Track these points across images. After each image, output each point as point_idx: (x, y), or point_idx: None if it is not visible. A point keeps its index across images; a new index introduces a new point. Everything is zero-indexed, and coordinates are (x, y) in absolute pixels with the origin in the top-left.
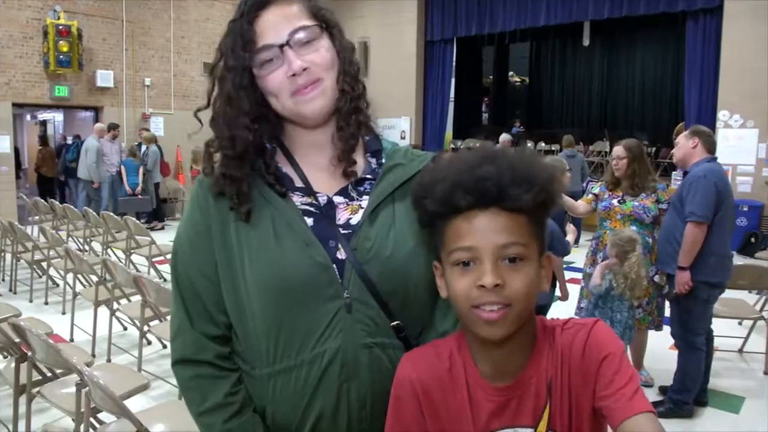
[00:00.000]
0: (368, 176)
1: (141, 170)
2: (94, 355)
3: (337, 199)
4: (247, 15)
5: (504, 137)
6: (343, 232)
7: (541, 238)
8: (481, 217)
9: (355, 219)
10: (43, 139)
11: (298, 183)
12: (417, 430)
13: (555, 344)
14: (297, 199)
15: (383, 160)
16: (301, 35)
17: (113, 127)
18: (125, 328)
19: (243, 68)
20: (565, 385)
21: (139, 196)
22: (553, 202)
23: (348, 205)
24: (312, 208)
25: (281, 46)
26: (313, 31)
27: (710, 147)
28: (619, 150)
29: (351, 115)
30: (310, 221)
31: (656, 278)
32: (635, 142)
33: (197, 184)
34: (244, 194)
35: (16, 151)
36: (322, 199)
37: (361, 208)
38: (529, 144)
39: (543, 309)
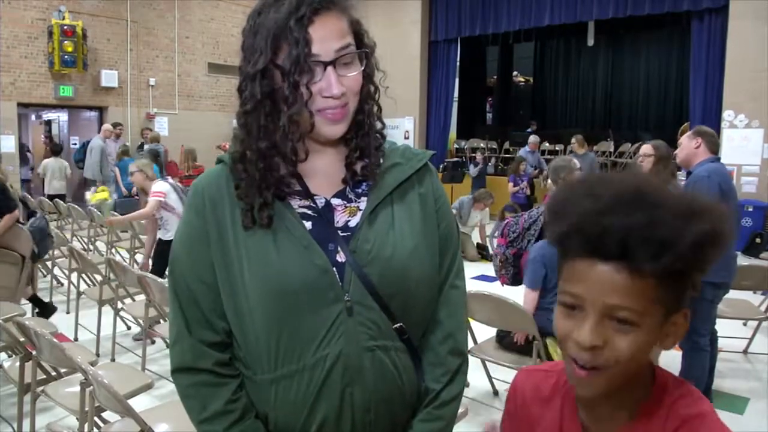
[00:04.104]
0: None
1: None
2: (98, 355)
3: (335, 201)
4: (302, 18)
5: (576, 137)
6: (342, 234)
7: (671, 301)
8: (599, 268)
9: (354, 221)
10: (50, 139)
11: (296, 186)
12: None
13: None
14: (295, 202)
15: (381, 160)
16: (346, 58)
17: (115, 126)
18: (129, 328)
19: (295, 69)
20: None
21: (136, 197)
22: (697, 269)
23: (346, 207)
24: (310, 211)
25: (326, 64)
26: (355, 56)
27: (713, 147)
28: (647, 148)
29: (359, 130)
30: (308, 224)
31: None
32: (664, 144)
33: (193, 189)
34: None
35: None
36: (320, 202)
37: (360, 209)
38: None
39: None
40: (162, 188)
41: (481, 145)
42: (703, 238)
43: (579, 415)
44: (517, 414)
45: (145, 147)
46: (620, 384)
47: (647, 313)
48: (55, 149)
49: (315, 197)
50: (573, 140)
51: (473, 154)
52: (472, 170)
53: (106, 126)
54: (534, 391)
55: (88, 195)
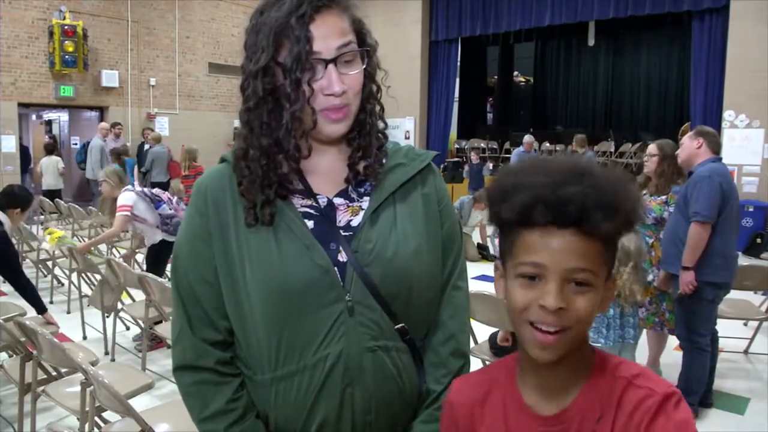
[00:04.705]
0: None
1: (135, 170)
2: (107, 353)
3: (338, 200)
4: (303, 15)
5: (576, 138)
6: (343, 234)
7: (611, 263)
8: (557, 235)
9: (356, 221)
10: (53, 139)
11: (298, 185)
12: None
13: (619, 394)
14: (297, 201)
15: (384, 160)
16: (348, 56)
17: (114, 126)
18: (128, 328)
19: (296, 67)
20: None
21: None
22: (629, 230)
23: (348, 206)
24: (312, 211)
25: (327, 62)
26: (357, 54)
27: (715, 147)
28: (652, 148)
29: (362, 130)
30: (310, 224)
31: (654, 282)
32: (669, 143)
33: (195, 188)
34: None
35: (25, 150)
36: (323, 201)
37: (362, 209)
38: (534, 143)
39: None
40: (127, 201)
41: (482, 145)
42: (636, 203)
43: (524, 400)
44: (458, 421)
45: (145, 147)
46: (578, 344)
47: (598, 274)
48: (47, 148)
49: (317, 196)
50: (574, 141)
51: (471, 154)
52: (465, 171)
53: (103, 124)
54: (472, 395)
55: (45, 245)
